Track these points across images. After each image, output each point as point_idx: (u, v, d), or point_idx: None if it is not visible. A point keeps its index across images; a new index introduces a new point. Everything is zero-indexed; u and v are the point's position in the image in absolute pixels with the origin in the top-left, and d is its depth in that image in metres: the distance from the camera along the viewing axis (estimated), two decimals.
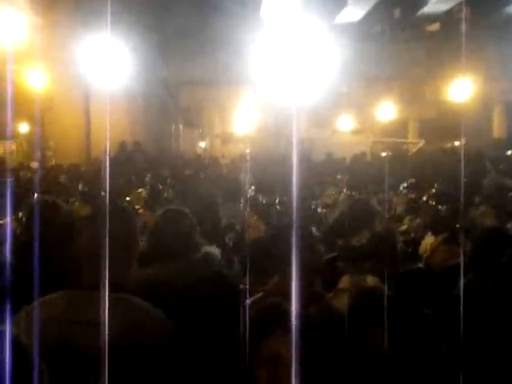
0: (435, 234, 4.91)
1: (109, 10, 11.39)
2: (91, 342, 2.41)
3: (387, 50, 19.50)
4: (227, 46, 17.02)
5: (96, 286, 2.51)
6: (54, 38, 15.59)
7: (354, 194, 9.76)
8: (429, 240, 5.10)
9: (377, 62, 19.65)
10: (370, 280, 2.96)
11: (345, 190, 10.74)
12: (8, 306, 2.23)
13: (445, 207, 6.15)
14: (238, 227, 6.16)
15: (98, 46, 14.12)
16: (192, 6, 17.88)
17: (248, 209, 7.82)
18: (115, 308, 2.49)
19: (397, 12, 20.65)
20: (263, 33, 16.38)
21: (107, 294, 2.53)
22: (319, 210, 8.88)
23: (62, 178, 12.57)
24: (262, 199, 8.85)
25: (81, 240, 2.67)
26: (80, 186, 11.31)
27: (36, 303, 2.49)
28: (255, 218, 6.54)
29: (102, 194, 9.54)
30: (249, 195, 9.92)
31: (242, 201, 9.28)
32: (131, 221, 2.84)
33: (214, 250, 3.77)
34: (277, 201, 8.62)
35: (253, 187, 11.07)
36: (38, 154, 16.10)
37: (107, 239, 2.56)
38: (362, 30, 20.01)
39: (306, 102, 17.52)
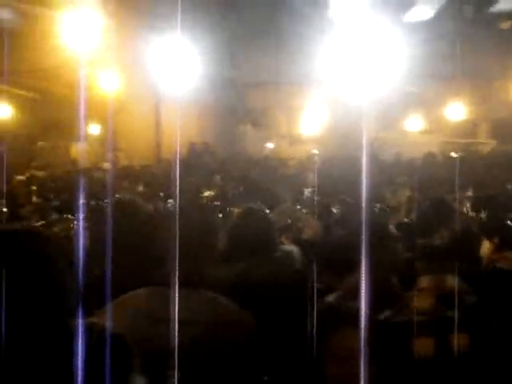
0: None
1: (179, 12, 11.53)
2: (175, 339, 2.42)
3: (458, 48, 19.17)
4: (295, 46, 17.01)
5: (178, 283, 2.52)
6: (124, 40, 15.84)
7: (425, 194, 9.61)
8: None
9: (447, 61, 19.36)
10: (450, 280, 2.91)
11: (413, 191, 10.58)
12: (92, 303, 2.28)
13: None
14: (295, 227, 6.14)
15: (167, 48, 14.32)
16: (260, 6, 17.93)
17: (308, 209, 7.82)
18: (200, 305, 2.52)
19: (468, 10, 20.28)
20: (332, 32, 16.38)
21: (190, 291, 2.54)
22: (388, 210, 8.76)
23: (132, 179, 12.76)
24: (325, 200, 8.77)
25: (161, 237, 2.69)
26: (141, 187, 11.41)
27: (120, 299, 2.52)
28: (314, 218, 6.52)
29: (161, 194, 9.67)
30: (313, 196, 9.88)
31: (306, 201, 9.26)
32: (210, 218, 2.86)
33: (294, 249, 3.76)
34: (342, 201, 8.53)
35: (316, 188, 11.02)
36: (110, 155, 16.41)
37: (188, 236, 2.58)
38: (432, 28, 19.71)
39: (375, 101, 17.43)
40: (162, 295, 2.53)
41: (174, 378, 2.42)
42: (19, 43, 16.21)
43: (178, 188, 2.79)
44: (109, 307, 2.41)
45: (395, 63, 16.61)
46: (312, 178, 12.71)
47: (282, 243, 3.80)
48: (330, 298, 3.47)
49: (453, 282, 2.85)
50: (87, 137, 17.18)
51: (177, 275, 2.54)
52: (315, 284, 3.90)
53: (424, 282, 2.99)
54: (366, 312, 2.87)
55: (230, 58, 18.55)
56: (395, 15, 17.50)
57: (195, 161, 13.29)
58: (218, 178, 11.50)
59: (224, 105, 18.65)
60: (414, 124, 22.42)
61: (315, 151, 19.15)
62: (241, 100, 19.73)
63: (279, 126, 21.69)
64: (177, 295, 2.49)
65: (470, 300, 2.88)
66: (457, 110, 21.24)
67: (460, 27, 19.94)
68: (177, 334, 2.41)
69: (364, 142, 17.82)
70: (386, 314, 2.65)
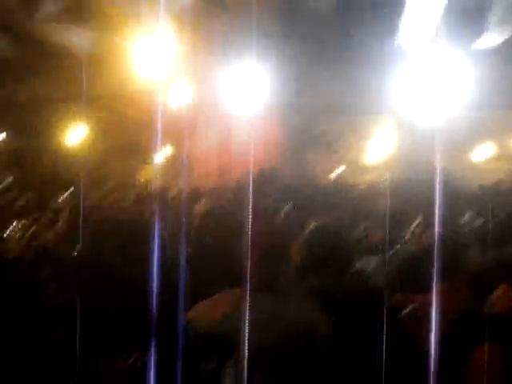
0: None
1: (254, 39, 11.79)
2: (259, 341, 2.56)
3: None
4: (366, 73, 17.09)
5: (261, 287, 2.67)
6: (198, 66, 16.21)
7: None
8: None
9: None
10: None
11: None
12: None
13: None
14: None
15: (240, 75, 14.60)
16: (329, 32, 18.09)
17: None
18: (284, 310, 2.67)
19: None
20: (402, 60, 16.41)
21: (274, 296, 2.69)
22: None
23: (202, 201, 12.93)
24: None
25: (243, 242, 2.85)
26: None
27: (213, 298, 2.68)
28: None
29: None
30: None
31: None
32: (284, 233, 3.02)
33: (368, 266, 3.85)
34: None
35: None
36: (181, 178, 16.69)
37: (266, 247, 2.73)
38: (502, 54, 19.54)
39: (443, 129, 17.31)
40: (250, 298, 2.68)
41: (260, 377, 2.57)
42: (99, 69, 16.78)
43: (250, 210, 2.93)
44: (202, 305, 2.57)
45: (464, 90, 16.54)
46: (382, 202, 12.69)
47: (356, 259, 3.89)
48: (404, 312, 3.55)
49: None
50: (160, 159, 17.52)
51: (261, 281, 2.70)
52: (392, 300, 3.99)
53: (500, 290, 3.02)
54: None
55: (302, 83, 18.71)
56: (464, 43, 17.42)
57: (262, 185, 13.43)
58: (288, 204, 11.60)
59: (294, 130, 18.81)
60: (482, 151, 22.17)
61: (384, 178, 19.09)
62: (311, 126, 19.85)
63: (349, 152, 21.70)
64: (259, 299, 2.62)
65: None
66: None
67: None
68: (263, 336, 2.54)
69: (433, 168, 17.74)
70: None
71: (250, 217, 2.97)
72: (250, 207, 2.94)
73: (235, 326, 2.62)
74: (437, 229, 4.07)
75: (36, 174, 24.17)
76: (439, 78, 15.93)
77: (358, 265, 3.86)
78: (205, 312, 2.54)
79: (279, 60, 16.41)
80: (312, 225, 3.96)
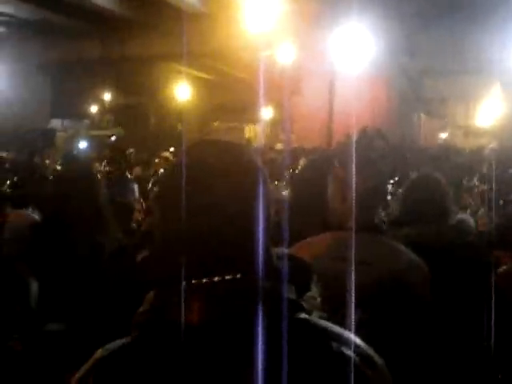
0: None
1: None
2: (358, 278, 2.54)
3: None
4: (477, 33, 16.53)
5: (358, 228, 2.66)
6: (303, 25, 16.08)
7: None
8: None
9: None
10: None
11: None
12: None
13: None
14: None
15: (344, 33, 14.40)
16: None
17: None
18: (381, 249, 2.66)
19: None
20: None
21: (371, 236, 2.67)
22: None
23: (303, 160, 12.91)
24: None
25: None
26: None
27: (305, 240, 2.68)
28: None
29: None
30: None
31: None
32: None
33: (468, 218, 3.73)
34: None
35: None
36: (282, 137, 16.77)
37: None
38: None
39: None
40: (343, 238, 2.68)
41: (352, 315, 2.56)
42: (201, 26, 16.88)
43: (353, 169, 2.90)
44: (299, 246, 2.58)
45: None
46: (486, 169, 12.33)
47: (456, 212, 3.77)
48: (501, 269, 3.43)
49: None
50: (262, 119, 17.64)
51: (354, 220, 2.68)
52: (489, 256, 3.88)
53: None
54: None
55: (407, 46, 18.32)
56: None
57: (365, 145, 13.24)
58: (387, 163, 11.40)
59: (398, 92, 18.49)
60: None
61: (491, 144, 18.52)
62: (416, 88, 19.45)
63: (455, 116, 21.18)
64: (358, 239, 2.61)
65: None
66: None
67: None
68: (358, 274, 2.53)
69: None
70: None
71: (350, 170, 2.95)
72: (353, 163, 2.90)
73: (330, 263, 2.63)
74: None
75: (142, 131, 24.81)
76: None
77: (459, 217, 3.74)
78: (305, 250, 2.54)
79: (388, 23, 16.07)
80: (413, 175, 3.87)
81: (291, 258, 1.38)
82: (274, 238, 1.50)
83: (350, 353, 1.27)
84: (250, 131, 21.98)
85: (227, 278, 1.25)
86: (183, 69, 21.62)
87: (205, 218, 1.27)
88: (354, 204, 2.75)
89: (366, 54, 14.34)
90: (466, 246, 3.50)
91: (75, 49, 20.70)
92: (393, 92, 18.44)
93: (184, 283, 1.26)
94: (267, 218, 1.33)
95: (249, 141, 18.97)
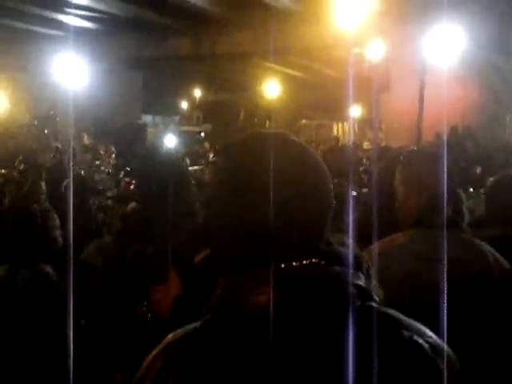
0: None
1: None
2: (443, 276, 2.55)
3: None
4: None
5: (438, 226, 2.67)
6: (394, 22, 15.92)
7: None
8: None
9: None
10: None
11: None
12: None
13: None
14: None
15: (435, 30, 14.16)
16: None
17: None
18: (471, 247, 2.66)
19: None
20: None
21: (451, 233, 2.66)
22: None
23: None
24: None
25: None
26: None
27: (388, 238, 2.70)
28: None
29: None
30: None
31: None
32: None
33: None
34: None
35: None
36: (370, 135, 16.64)
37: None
38: None
39: None
40: (425, 236, 2.69)
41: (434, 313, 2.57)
42: (291, 24, 16.93)
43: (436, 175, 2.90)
44: (377, 244, 2.59)
45: None
46: None
47: None
48: None
49: None
50: (351, 117, 17.55)
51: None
52: None
53: None
54: None
55: (503, 44, 17.83)
56: None
57: (456, 144, 13.03)
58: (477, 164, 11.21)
59: (492, 92, 18.01)
60: None
61: None
62: (510, 89, 18.91)
63: None
64: (446, 237, 2.61)
65: None
66: None
67: None
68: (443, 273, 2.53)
69: None
70: None
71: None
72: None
73: (414, 262, 2.65)
74: None
75: (231, 127, 25.04)
76: None
77: None
78: (380, 249, 2.55)
79: (482, 18, 15.70)
80: (497, 175, 3.79)
81: (348, 246, 1.40)
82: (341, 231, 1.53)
83: (421, 341, 1.29)
84: (338, 129, 21.89)
85: (305, 262, 1.28)
86: (273, 66, 21.71)
87: (263, 208, 1.30)
88: (430, 201, 2.75)
89: (458, 52, 14.05)
90: None
91: (167, 46, 21.05)
92: (485, 91, 17.99)
93: (258, 269, 1.29)
94: (329, 207, 1.37)
95: (337, 138, 18.89)
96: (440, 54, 13.94)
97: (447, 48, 13.82)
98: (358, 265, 1.34)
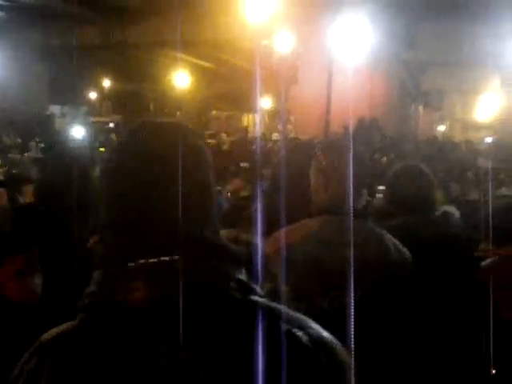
0: None
1: None
2: (341, 262, 2.62)
3: None
4: (477, 26, 16.49)
5: (346, 213, 2.73)
6: (302, 15, 16.04)
7: None
8: None
9: None
10: None
11: None
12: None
13: None
14: None
15: (343, 24, 14.36)
16: None
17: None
18: (369, 233, 2.71)
19: None
20: None
21: (359, 221, 2.72)
22: None
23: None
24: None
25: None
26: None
27: (296, 225, 2.72)
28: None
29: None
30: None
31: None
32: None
33: (453, 210, 3.73)
34: None
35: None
36: (279, 127, 16.76)
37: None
38: None
39: None
40: (331, 222, 2.74)
41: (341, 297, 2.62)
42: (201, 14, 16.86)
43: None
44: (284, 230, 2.62)
45: None
46: (482, 162, 12.35)
47: (441, 202, 3.77)
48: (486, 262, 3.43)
49: None
50: (260, 108, 17.60)
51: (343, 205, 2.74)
52: (472, 249, 3.88)
53: None
54: None
55: (408, 37, 18.27)
56: None
57: (362, 135, 13.28)
58: (387, 154, 11.46)
59: (397, 83, 18.46)
60: None
61: (489, 138, 18.50)
62: (415, 80, 19.39)
63: (453, 109, 21.11)
64: (346, 224, 2.68)
65: None
66: None
67: None
68: (340, 258, 2.61)
69: None
70: None
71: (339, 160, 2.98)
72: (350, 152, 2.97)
73: (318, 248, 2.68)
74: None
75: (139, 117, 24.71)
76: None
77: (444, 208, 3.73)
78: (287, 235, 2.59)
79: (389, 13, 16.02)
80: (400, 164, 3.86)
81: (243, 241, 1.38)
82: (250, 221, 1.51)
83: (300, 334, 1.26)
84: (247, 120, 21.97)
85: (163, 259, 1.25)
86: (183, 56, 21.58)
87: (146, 199, 1.27)
88: (339, 190, 2.82)
89: (365, 45, 14.30)
90: (450, 238, 3.50)
91: (75, 35, 20.65)
92: (392, 83, 18.41)
93: (128, 264, 1.25)
94: (210, 200, 1.34)
95: (246, 130, 18.95)
96: (347, 47, 14.16)
97: (354, 41, 14.04)
98: (238, 259, 1.31)
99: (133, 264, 1.25)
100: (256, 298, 1.29)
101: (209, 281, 1.24)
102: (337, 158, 2.91)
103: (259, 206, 4.02)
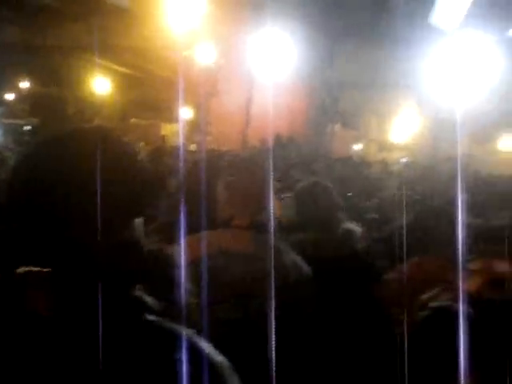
0: None
1: (281, 8, 11.65)
2: (245, 272, 2.67)
3: None
4: (394, 49, 16.91)
5: (247, 227, 2.79)
6: (224, 27, 16.12)
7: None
8: None
9: None
10: (500, 264, 2.82)
11: None
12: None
13: None
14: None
15: (265, 39, 14.52)
16: (362, 8, 17.87)
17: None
18: (272, 249, 2.75)
19: None
20: (432, 40, 16.18)
21: (259, 234, 2.81)
22: None
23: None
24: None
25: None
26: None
27: (197, 235, 2.74)
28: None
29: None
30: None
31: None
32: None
33: (355, 228, 3.81)
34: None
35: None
36: (199, 138, 16.73)
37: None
38: None
39: (469, 115, 17.08)
40: (234, 235, 2.79)
41: (243, 305, 2.68)
42: (124, 21, 16.74)
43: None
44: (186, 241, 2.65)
45: (494, 79, 16.30)
46: (395, 183, 12.64)
47: (343, 221, 3.85)
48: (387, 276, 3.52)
49: (503, 266, 2.77)
50: (180, 118, 17.56)
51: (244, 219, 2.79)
52: (373, 266, 3.97)
53: (475, 264, 2.94)
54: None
55: (328, 56, 18.58)
56: (499, 28, 17.13)
57: (279, 151, 13.41)
58: (297, 170, 11.56)
59: (316, 101, 18.73)
60: (509, 143, 21.86)
61: (404, 159, 18.95)
62: (333, 99, 19.72)
63: (369, 129, 21.55)
64: (246, 236, 2.72)
65: None
66: None
67: None
68: (239, 268, 2.66)
69: (455, 154, 17.53)
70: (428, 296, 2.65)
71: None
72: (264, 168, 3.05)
73: (219, 258, 2.72)
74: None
75: (58, 122, 24.28)
76: (470, 62, 15.73)
77: (347, 226, 3.81)
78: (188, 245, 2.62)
79: (310, 33, 16.26)
80: (305, 181, 3.93)
81: (150, 253, 1.38)
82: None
83: (187, 358, 1.25)
84: (166, 130, 21.85)
85: (34, 270, 1.24)
86: (104, 62, 21.32)
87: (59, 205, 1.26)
88: (243, 204, 2.88)
89: (286, 61, 14.48)
90: (350, 255, 3.58)
91: None
92: (311, 101, 18.67)
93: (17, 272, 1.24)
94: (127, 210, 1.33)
95: (164, 139, 18.86)
96: (268, 62, 14.31)
97: (275, 56, 14.21)
98: (136, 273, 1.31)
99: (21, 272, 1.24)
100: (151, 317, 1.29)
101: (104, 298, 1.24)
102: (243, 172, 2.97)
103: (166, 216, 4.10)
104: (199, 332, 1.36)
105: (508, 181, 14.59)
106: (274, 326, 2.69)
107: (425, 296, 2.49)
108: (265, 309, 2.75)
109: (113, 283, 1.26)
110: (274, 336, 2.67)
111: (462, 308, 2.03)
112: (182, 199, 3.70)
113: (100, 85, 21.78)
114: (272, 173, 3.10)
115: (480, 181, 12.92)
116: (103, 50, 17.60)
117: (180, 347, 1.27)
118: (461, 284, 2.57)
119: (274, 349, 2.66)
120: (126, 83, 22.66)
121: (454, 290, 2.63)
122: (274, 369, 2.62)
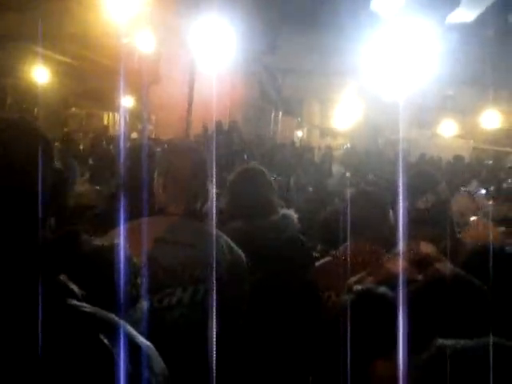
0: None
1: None
2: (179, 259, 2.77)
3: (498, 55, 19.00)
4: (335, 36, 17.02)
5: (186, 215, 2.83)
6: (164, 15, 16.00)
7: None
8: None
9: (487, 67, 19.19)
10: (424, 246, 2.87)
11: None
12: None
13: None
14: None
15: (205, 27, 14.44)
16: None
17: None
18: (206, 235, 2.83)
19: (511, 17, 20.05)
20: (373, 26, 16.34)
21: (194, 222, 2.90)
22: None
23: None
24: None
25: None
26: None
27: (131, 224, 2.73)
28: None
29: None
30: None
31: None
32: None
33: (291, 213, 3.81)
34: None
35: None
36: (140, 127, 16.63)
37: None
38: (474, 32, 19.53)
39: (410, 101, 17.32)
40: (167, 222, 2.86)
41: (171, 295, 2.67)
42: (62, 8, 16.44)
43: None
44: (121, 229, 2.65)
45: (434, 64, 16.55)
46: (337, 168, 12.78)
47: (280, 206, 3.84)
48: (321, 262, 3.54)
49: (425, 248, 2.82)
50: (121, 107, 17.39)
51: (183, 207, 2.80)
52: (311, 251, 4.00)
53: (402, 247, 2.97)
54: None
55: (269, 43, 18.59)
56: (438, 14, 17.37)
57: (222, 138, 13.39)
58: (243, 156, 11.58)
59: (257, 87, 18.74)
60: (448, 128, 22.29)
61: (345, 144, 19.14)
62: (276, 85, 19.77)
63: (312, 116, 21.69)
64: (186, 224, 2.81)
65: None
66: (492, 118, 21.10)
67: (502, 33, 19.74)
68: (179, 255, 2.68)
69: (396, 139, 17.81)
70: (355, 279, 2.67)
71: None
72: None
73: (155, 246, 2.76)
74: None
75: None
76: (410, 49, 15.94)
77: (283, 211, 3.81)
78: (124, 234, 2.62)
79: (250, 18, 16.24)
80: (240, 167, 3.91)
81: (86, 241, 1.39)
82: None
83: (109, 341, 1.26)
84: (108, 119, 21.61)
85: None
86: (43, 51, 20.93)
87: None
88: (177, 191, 2.89)
89: (228, 48, 14.44)
90: (288, 240, 3.57)
91: None
92: (252, 87, 18.67)
93: None
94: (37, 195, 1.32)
95: (105, 128, 18.66)
96: (208, 48, 14.27)
97: (214, 42, 14.17)
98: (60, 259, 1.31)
99: None
100: (73, 302, 1.30)
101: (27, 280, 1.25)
102: (176, 159, 2.97)
103: (106, 205, 4.08)
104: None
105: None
106: (214, 312, 2.72)
107: (351, 280, 2.51)
108: (200, 294, 2.77)
109: (40, 269, 1.27)
110: (214, 320, 2.69)
111: (383, 290, 2.06)
112: (121, 188, 3.70)
113: (40, 74, 21.37)
114: (214, 159, 3.11)
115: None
116: (43, 39, 17.28)
117: (101, 330, 1.27)
118: (386, 266, 2.62)
119: (215, 333, 2.69)
120: (67, 72, 22.29)
121: (379, 273, 2.67)
122: (214, 354, 2.65)
